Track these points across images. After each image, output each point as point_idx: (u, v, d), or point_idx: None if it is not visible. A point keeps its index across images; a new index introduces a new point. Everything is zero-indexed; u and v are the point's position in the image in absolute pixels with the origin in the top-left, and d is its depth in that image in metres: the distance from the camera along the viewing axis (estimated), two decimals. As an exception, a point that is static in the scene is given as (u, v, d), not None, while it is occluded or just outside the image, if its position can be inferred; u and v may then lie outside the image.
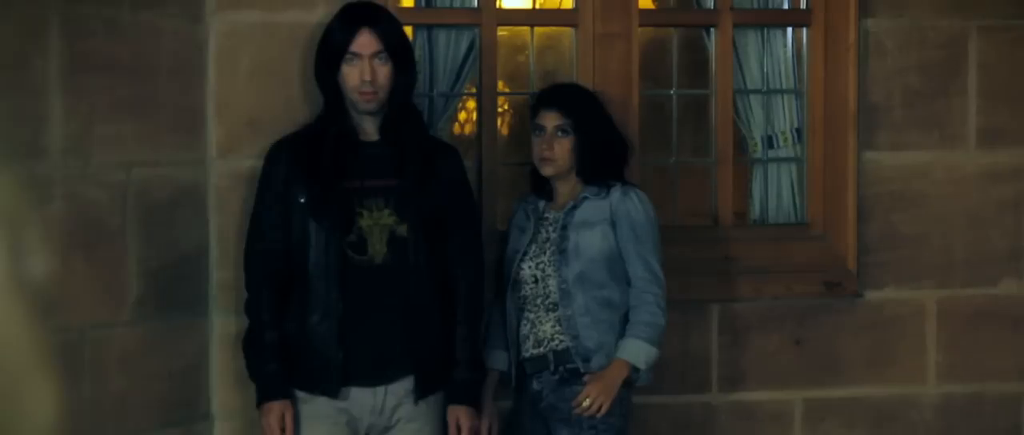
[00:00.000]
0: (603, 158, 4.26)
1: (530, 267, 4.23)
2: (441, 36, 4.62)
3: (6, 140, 3.65)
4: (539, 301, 4.21)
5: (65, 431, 1.73)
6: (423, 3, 4.66)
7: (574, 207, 4.22)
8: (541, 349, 4.20)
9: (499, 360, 4.32)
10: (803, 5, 4.82)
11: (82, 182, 3.86)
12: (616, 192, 4.21)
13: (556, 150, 4.22)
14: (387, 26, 3.96)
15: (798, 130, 4.86)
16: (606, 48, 4.63)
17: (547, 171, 4.25)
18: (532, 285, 4.22)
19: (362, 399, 3.96)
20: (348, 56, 3.91)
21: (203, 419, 4.25)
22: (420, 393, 3.98)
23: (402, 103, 4.01)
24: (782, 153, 4.87)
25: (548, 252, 4.21)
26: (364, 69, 3.90)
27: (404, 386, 3.97)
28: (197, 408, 4.23)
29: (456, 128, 4.98)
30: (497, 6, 4.64)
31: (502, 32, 4.70)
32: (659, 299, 4.17)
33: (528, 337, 4.23)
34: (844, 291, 4.76)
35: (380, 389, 3.96)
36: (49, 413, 1.73)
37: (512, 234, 4.34)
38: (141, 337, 4.02)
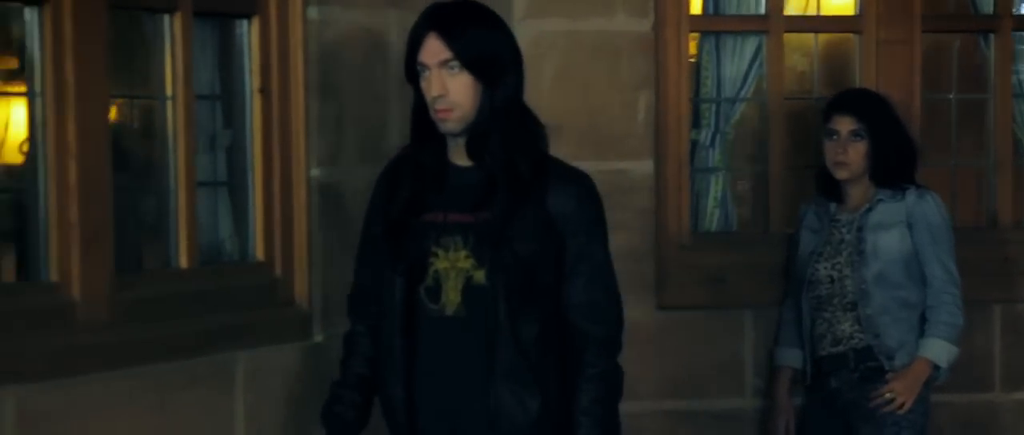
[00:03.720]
0: (896, 162, 4.34)
1: (826, 268, 4.33)
2: (727, 42, 4.74)
3: (355, 144, 3.82)
4: (835, 300, 4.30)
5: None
6: (711, 9, 4.77)
7: (870, 209, 4.31)
8: (840, 347, 4.30)
9: (794, 358, 4.43)
10: (1086, 8, 4.88)
11: (415, 185, 4.00)
12: (911, 195, 4.30)
13: (850, 154, 4.32)
14: (464, 29, 3.14)
15: (1075, 134, 4.92)
16: (889, 53, 4.71)
17: (841, 175, 4.35)
18: (828, 285, 4.32)
19: None
20: (419, 67, 3.17)
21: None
22: None
23: (504, 121, 3.15)
24: (1058, 156, 4.94)
25: (844, 253, 4.30)
26: (433, 82, 3.13)
27: None
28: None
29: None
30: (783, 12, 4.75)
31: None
32: (956, 299, 4.26)
33: (825, 335, 4.33)
34: None
35: None
36: None
37: (804, 236, 4.44)
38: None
